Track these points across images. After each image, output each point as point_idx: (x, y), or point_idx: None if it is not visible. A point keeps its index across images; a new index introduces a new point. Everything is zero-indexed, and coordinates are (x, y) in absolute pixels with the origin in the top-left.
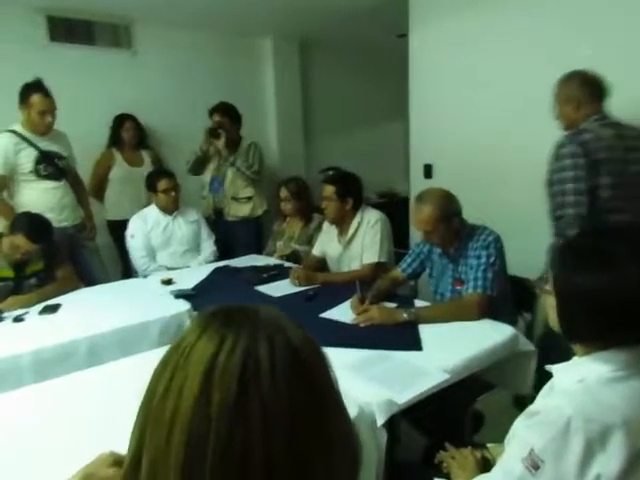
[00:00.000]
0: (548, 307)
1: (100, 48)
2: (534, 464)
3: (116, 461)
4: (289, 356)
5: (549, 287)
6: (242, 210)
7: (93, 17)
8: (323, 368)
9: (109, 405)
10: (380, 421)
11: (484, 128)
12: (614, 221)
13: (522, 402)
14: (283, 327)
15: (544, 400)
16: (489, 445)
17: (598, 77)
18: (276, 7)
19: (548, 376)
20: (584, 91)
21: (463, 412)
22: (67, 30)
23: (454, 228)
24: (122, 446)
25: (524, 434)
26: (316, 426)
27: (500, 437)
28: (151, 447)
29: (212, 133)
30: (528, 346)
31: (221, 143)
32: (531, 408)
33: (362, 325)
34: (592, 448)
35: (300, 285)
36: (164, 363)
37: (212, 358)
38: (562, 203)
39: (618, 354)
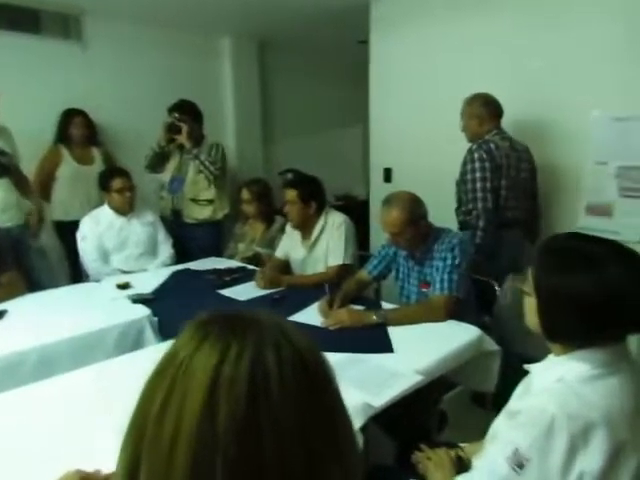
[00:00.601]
0: (526, 307)
1: (47, 39)
2: (519, 463)
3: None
4: (297, 364)
5: (527, 288)
6: (202, 213)
7: (40, 5)
8: (329, 373)
9: (64, 420)
10: (357, 425)
11: (443, 132)
12: (511, 216)
13: (481, 400)
14: (287, 332)
15: (523, 400)
16: (462, 445)
17: (496, 99)
18: (235, 5)
19: (510, 374)
20: (486, 110)
21: (430, 412)
22: (10, 18)
23: (421, 231)
24: (81, 463)
25: (507, 434)
26: (329, 436)
27: (464, 435)
28: (149, 474)
29: (172, 128)
30: (493, 346)
31: (184, 135)
32: (511, 408)
33: (332, 328)
34: (575, 445)
35: (265, 287)
36: (157, 378)
37: (216, 368)
38: (473, 198)
39: (596, 353)
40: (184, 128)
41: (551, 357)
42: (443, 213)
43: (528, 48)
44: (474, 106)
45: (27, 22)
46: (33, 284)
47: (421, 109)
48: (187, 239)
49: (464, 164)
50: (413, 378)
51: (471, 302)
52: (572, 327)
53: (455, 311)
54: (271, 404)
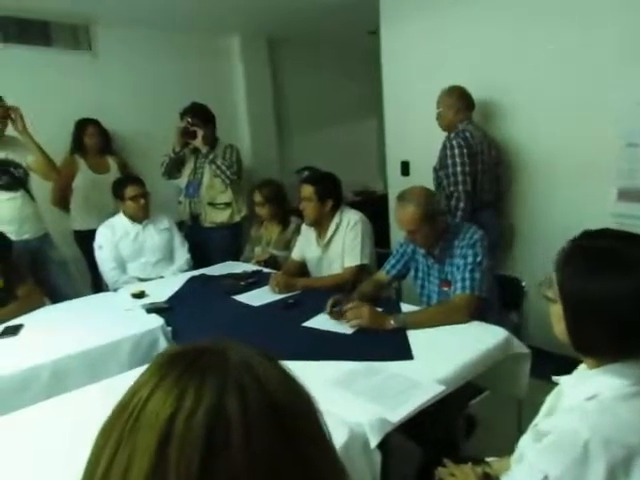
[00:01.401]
0: (552, 316)
1: (58, 50)
2: None
3: None
4: (265, 410)
5: (553, 294)
6: (219, 216)
7: (49, 17)
8: (308, 416)
9: (75, 440)
10: (373, 443)
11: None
12: (486, 198)
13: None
14: (255, 371)
15: (553, 418)
16: (489, 459)
17: (469, 92)
18: (242, 4)
19: None
20: (462, 102)
21: (456, 417)
22: (21, 31)
23: (438, 227)
24: None
25: (535, 459)
26: None
27: (494, 442)
28: None
29: (186, 133)
30: (522, 348)
31: (199, 139)
32: (539, 427)
33: (349, 324)
34: (615, 474)
35: (280, 292)
36: (106, 429)
37: (168, 423)
38: (454, 182)
39: (633, 367)
40: (199, 132)
41: (582, 368)
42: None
43: (543, 30)
44: (453, 97)
45: (37, 34)
46: (54, 295)
47: (435, 99)
48: (206, 243)
49: (444, 151)
50: (434, 389)
51: (495, 301)
52: (604, 339)
53: (478, 311)
54: (232, 463)
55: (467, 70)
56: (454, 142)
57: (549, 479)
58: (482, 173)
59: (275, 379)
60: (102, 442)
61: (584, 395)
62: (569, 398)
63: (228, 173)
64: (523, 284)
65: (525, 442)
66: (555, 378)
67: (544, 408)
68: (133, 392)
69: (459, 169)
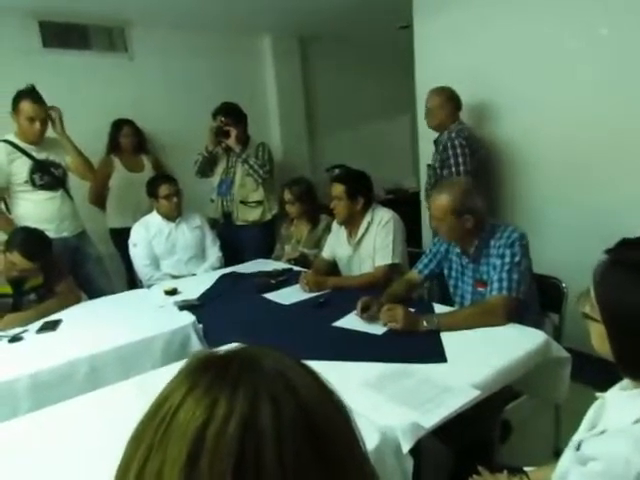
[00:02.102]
0: (593, 334)
1: (95, 53)
2: None
3: None
4: (300, 424)
5: (591, 310)
6: (251, 215)
7: (86, 21)
8: (342, 427)
9: (110, 436)
10: (406, 448)
11: (495, 121)
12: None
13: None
14: (291, 381)
15: (599, 442)
16: (527, 469)
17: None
18: (272, 4)
19: None
20: (453, 103)
21: (491, 422)
22: (60, 35)
23: (464, 226)
24: None
25: None
26: None
27: (529, 448)
28: None
29: (220, 132)
30: (561, 352)
31: (232, 139)
32: (585, 451)
33: (384, 326)
34: None
35: (310, 291)
36: (137, 436)
37: (198, 435)
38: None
39: None
40: (232, 132)
41: (627, 383)
42: (500, 205)
43: (594, 17)
44: (443, 97)
45: (76, 38)
46: (91, 291)
47: (471, 96)
48: (239, 241)
49: (446, 150)
50: (469, 393)
51: (533, 302)
52: None
53: (516, 313)
54: (264, 476)
55: (503, 65)
56: (456, 142)
57: None
58: (478, 171)
59: (309, 389)
60: (133, 449)
61: (631, 417)
62: (615, 419)
63: (261, 172)
64: (563, 285)
65: (568, 461)
66: (599, 395)
67: (586, 422)
68: (164, 398)
69: (462, 168)
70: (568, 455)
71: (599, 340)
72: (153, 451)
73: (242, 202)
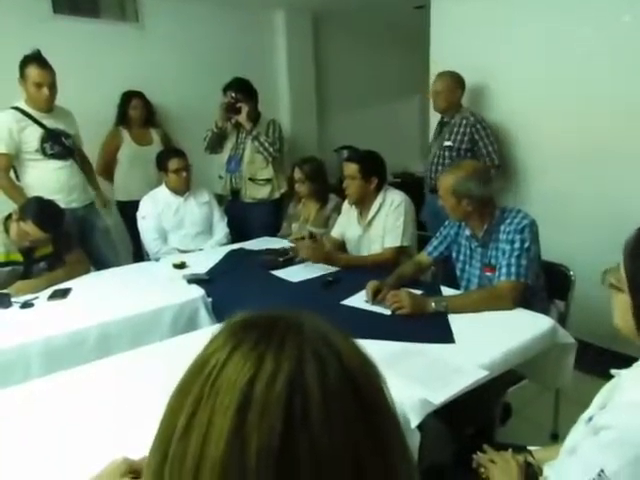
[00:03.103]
0: (615, 305)
1: (106, 21)
2: None
3: (129, 469)
4: (345, 386)
5: (618, 282)
6: (260, 192)
7: None
8: (383, 392)
9: (121, 401)
10: (414, 423)
11: (509, 106)
12: None
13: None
14: (335, 344)
15: (613, 413)
16: (531, 448)
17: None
18: None
19: None
20: (461, 87)
21: (493, 404)
22: (71, 2)
23: (463, 209)
24: (135, 446)
25: (592, 453)
26: (380, 468)
27: (527, 430)
28: None
29: (231, 108)
30: (567, 338)
31: (243, 116)
32: (598, 421)
33: (390, 310)
34: None
35: (316, 262)
36: (183, 389)
37: (247, 388)
38: (490, 160)
39: None
40: (243, 109)
41: None
42: (511, 191)
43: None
44: (455, 81)
45: (86, 5)
46: (98, 262)
47: (485, 79)
48: (246, 218)
49: (477, 131)
50: (477, 373)
51: (541, 288)
52: None
53: (523, 299)
54: (311, 434)
55: (520, 47)
56: (484, 123)
57: (605, 473)
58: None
59: (350, 352)
60: (179, 402)
61: None
62: (630, 393)
63: (271, 150)
64: (570, 273)
65: (579, 434)
66: (614, 371)
67: (597, 401)
68: (209, 354)
69: (491, 148)
70: (579, 429)
71: (622, 312)
72: (202, 402)
73: (251, 179)
